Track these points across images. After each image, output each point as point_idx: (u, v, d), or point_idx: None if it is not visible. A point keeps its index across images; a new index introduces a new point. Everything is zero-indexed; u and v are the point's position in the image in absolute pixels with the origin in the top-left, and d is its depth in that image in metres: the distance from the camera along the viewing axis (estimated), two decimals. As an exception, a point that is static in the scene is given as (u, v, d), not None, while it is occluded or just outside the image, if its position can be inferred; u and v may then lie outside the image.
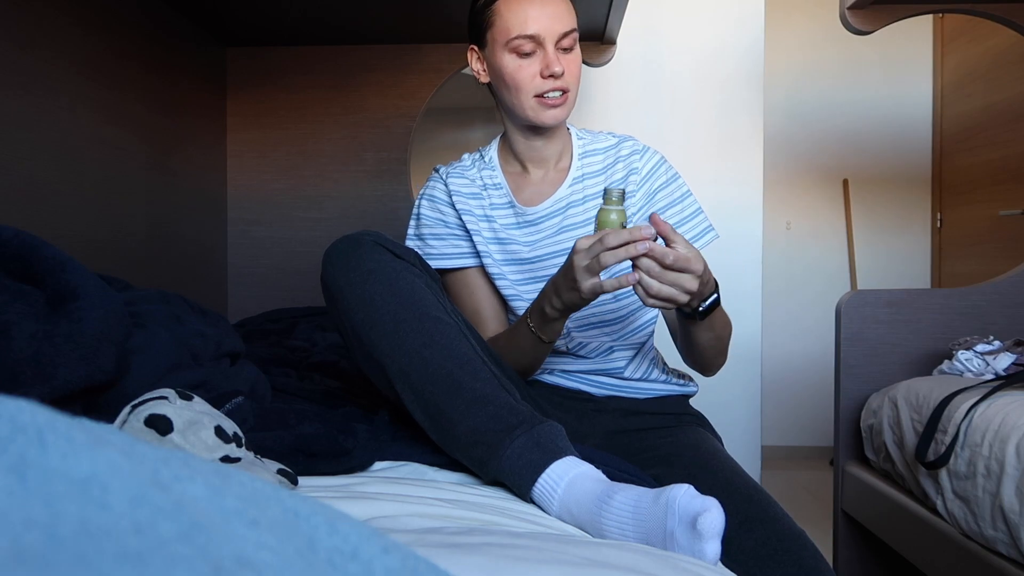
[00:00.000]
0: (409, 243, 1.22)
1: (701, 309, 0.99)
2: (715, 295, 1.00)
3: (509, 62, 1.11)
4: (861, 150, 3.63)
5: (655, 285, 0.90)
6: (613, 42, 2.26)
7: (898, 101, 3.61)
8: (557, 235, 1.17)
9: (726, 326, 1.10)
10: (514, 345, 1.07)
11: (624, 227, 0.94)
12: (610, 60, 2.29)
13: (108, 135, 1.66)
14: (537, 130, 1.16)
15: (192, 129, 2.10)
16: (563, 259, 1.16)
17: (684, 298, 0.91)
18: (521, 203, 1.19)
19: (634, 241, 0.88)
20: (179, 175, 2.01)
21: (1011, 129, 2.98)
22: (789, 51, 3.60)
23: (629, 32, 2.36)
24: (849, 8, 1.86)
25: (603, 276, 0.93)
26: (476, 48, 1.18)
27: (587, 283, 0.92)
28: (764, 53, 2.44)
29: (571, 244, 1.16)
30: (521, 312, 1.15)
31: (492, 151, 1.25)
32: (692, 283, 0.90)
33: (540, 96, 1.10)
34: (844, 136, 3.62)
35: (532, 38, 1.09)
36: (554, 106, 1.11)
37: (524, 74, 1.10)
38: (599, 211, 0.96)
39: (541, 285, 1.16)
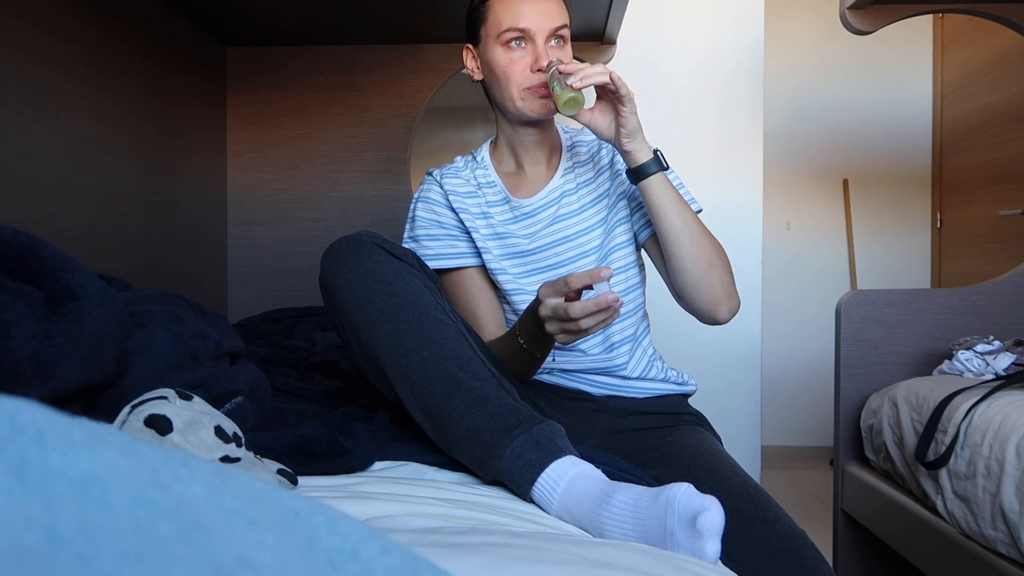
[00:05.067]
0: (405, 246, 1.22)
1: (636, 168, 1.07)
2: (652, 163, 1.06)
3: (500, 56, 1.14)
4: (861, 150, 3.63)
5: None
6: (613, 42, 2.26)
7: (898, 101, 3.61)
8: (553, 224, 1.19)
9: (696, 220, 1.10)
10: (507, 356, 1.08)
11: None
12: (610, 60, 2.29)
13: (108, 135, 1.66)
14: (529, 122, 1.18)
15: (192, 129, 2.10)
16: (562, 248, 1.18)
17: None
18: (516, 198, 1.20)
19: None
20: (179, 175, 2.01)
21: (1011, 129, 2.98)
22: (789, 51, 3.60)
23: (629, 32, 2.36)
24: (849, 8, 1.86)
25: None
26: (471, 46, 1.21)
27: (563, 338, 0.97)
28: (764, 53, 2.44)
29: (567, 232, 1.18)
30: (522, 308, 1.16)
31: (484, 152, 1.27)
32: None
33: (529, 88, 1.13)
34: (844, 136, 3.62)
35: (522, 32, 1.12)
36: (543, 97, 1.13)
37: (515, 67, 1.13)
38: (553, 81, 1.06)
39: (542, 276, 1.18)
